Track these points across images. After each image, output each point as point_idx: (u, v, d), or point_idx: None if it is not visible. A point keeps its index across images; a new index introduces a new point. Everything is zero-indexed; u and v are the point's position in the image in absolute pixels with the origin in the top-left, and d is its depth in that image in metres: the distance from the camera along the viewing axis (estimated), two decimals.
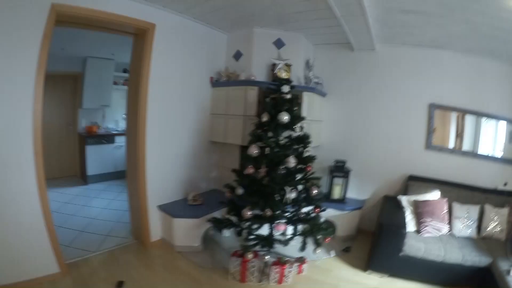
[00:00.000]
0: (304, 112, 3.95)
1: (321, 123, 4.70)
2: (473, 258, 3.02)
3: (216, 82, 4.35)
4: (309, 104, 4.07)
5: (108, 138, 6.42)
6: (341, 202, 4.25)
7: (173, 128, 4.00)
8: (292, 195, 3.05)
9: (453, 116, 3.99)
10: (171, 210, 3.85)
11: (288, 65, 4.03)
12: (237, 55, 4.37)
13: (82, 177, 6.41)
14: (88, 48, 5.64)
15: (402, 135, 4.23)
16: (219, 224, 3.38)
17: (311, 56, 4.37)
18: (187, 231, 3.76)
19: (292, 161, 3.07)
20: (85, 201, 5.34)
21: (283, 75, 3.94)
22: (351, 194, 4.51)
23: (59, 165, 6.45)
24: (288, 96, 3.21)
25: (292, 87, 3.27)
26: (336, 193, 4.26)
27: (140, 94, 3.50)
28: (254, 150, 3.15)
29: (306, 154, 3.25)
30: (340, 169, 4.25)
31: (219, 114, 4.33)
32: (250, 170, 3.18)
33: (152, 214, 3.87)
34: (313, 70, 4.25)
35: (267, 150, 3.10)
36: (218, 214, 3.81)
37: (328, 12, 3.11)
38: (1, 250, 2.67)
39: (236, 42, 4.40)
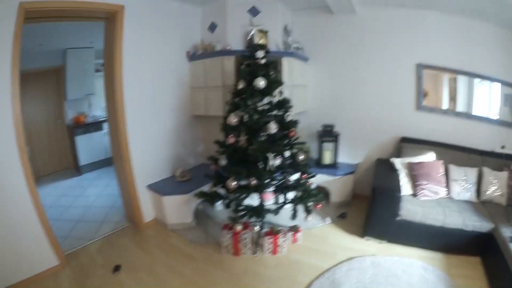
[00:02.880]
0: (285, 78, 3.81)
1: (306, 88, 4.55)
2: (474, 223, 2.85)
3: (192, 56, 4.21)
4: (290, 69, 3.91)
5: (96, 125, 6.34)
6: (333, 167, 4.14)
7: (153, 107, 3.89)
8: (276, 162, 2.94)
9: (445, 79, 3.80)
10: (159, 188, 3.80)
11: (264, 32, 3.85)
12: (212, 27, 4.20)
13: (76, 168, 6.36)
14: (66, 40, 5.50)
15: (392, 96, 4.07)
16: (206, 198, 3.29)
17: (289, 21, 4.16)
18: (177, 208, 3.72)
19: (272, 127, 2.94)
20: (80, 191, 5.31)
21: (260, 41, 3.77)
22: (343, 158, 4.42)
23: (52, 160, 6.40)
24: (263, 62, 3.05)
25: (267, 52, 3.10)
26: (327, 158, 4.15)
27: (115, 77, 3.39)
28: (233, 119, 3.03)
29: (288, 119, 3.12)
30: (328, 134, 4.12)
31: (199, 88, 4.21)
32: (231, 139, 3.07)
33: (142, 195, 3.83)
34: (292, 35, 4.07)
35: (245, 117, 2.98)
36: (207, 188, 3.73)
37: None
38: (0, 252, 2.68)
39: (210, 15, 4.22)
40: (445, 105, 3.85)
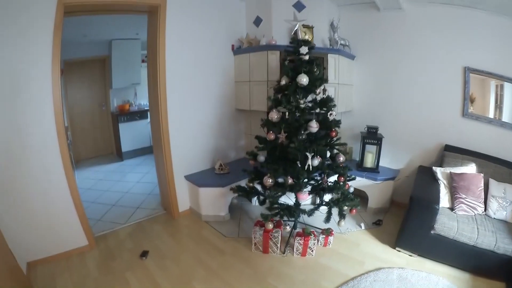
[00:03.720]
0: (331, 75, 3.70)
1: (351, 87, 4.37)
2: (506, 246, 2.56)
3: (237, 50, 4.17)
4: (336, 67, 3.77)
5: (141, 114, 6.54)
6: (374, 171, 3.94)
7: (196, 98, 3.90)
8: (314, 162, 2.82)
9: (492, 85, 3.44)
10: (197, 179, 3.81)
11: (309, 27, 3.73)
12: (257, 21, 4.13)
13: (118, 154, 6.60)
14: (111, 31, 5.66)
15: (437, 100, 3.77)
16: (242, 193, 3.24)
17: (335, 17, 4.00)
18: (213, 200, 3.71)
19: (313, 126, 2.82)
20: (120, 176, 5.48)
21: (305, 37, 3.65)
22: (384, 163, 4.19)
23: (96, 144, 6.70)
24: (307, 58, 2.93)
25: (311, 48, 2.98)
26: (369, 161, 3.96)
27: (157, 69, 3.44)
28: (274, 115, 2.95)
29: (330, 119, 2.98)
30: (372, 136, 3.92)
31: (243, 82, 4.15)
32: (271, 136, 3.00)
33: (179, 184, 3.87)
34: (338, 32, 3.90)
35: (287, 114, 2.89)
36: (244, 182, 3.67)
37: None
38: (33, 227, 2.84)
39: (254, 8, 4.16)
40: (491, 113, 3.50)
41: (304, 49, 2.92)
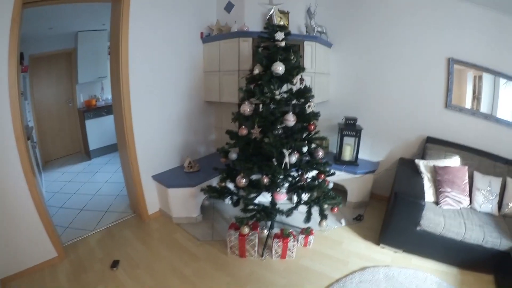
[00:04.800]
0: (307, 64, 3.40)
1: (328, 76, 4.06)
2: (493, 239, 2.46)
3: (207, 37, 3.76)
4: (312, 55, 3.46)
5: (107, 109, 6.00)
6: (353, 164, 3.67)
7: (162, 91, 3.50)
8: (292, 159, 2.51)
9: (470, 76, 3.27)
10: (165, 179, 3.43)
11: (284, 13, 3.39)
12: (229, 7, 3.74)
13: (86, 153, 6.09)
14: (77, 23, 5.16)
15: (420, 91, 3.54)
16: (213, 194, 2.90)
17: (312, 3, 3.66)
18: (183, 202, 3.36)
19: (290, 119, 2.50)
20: (88, 177, 5.02)
21: (280, 23, 3.31)
22: (364, 155, 3.94)
23: (63, 143, 6.15)
24: (283, 45, 2.59)
25: (287, 34, 2.64)
26: (347, 154, 3.68)
27: (120, 59, 3.03)
28: (246, 108, 2.60)
29: (308, 111, 2.67)
30: (350, 127, 3.64)
31: (213, 71, 3.76)
32: (243, 131, 2.65)
33: (147, 185, 3.49)
34: (315, 18, 3.57)
35: (261, 107, 2.54)
36: (216, 181, 3.35)
37: None
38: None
39: None
40: (467, 104, 3.33)
41: (280, 35, 2.58)
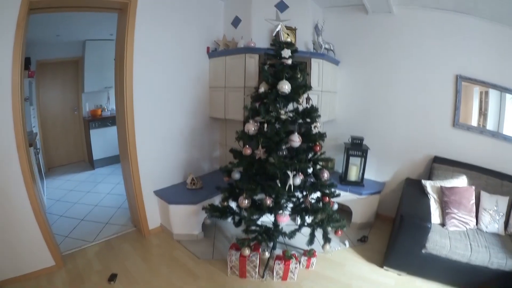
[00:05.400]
0: (314, 82, 3.30)
1: (335, 95, 3.96)
2: (499, 260, 2.36)
3: (212, 52, 3.69)
4: (319, 72, 3.38)
5: (112, 120, 5.92)
6: (358, 185, 3.55)
7: (167, 104, 3.43)
8: (296, 180, 2.41)
9: (476, 91, 3.18)
10: (167, 195, 3.34)
11: (292, 29, 3.33)
12: (236, 22, 3.68)
13: (90, 162, 6.03)
14: (85, 32, 5.15)
15: (427, 109, 3.44)
16: (215, 213, 2.80)
17: (320, 20, 3.60)
18: (185, 218, 3.25)
19: (296, 140, 2.41)
20: (90, 186, 4.95)
21: (288, 39, 3.25)
22: (369, 175, 3.81)
23: (67, 151, 6.12)
24: (289, 62, 2.52)
25: (294, 51, 2.58)
26: (353, 174, 3.57)
27: (124, 71, 2.98)
28: (251, 127, 2.52)
29: (314, 131, 2.57)
30: (357, 147, 3.53)
31: (218, 87, 3.68)
32: (247, 150, 2.56)
33: (149, 200, 3.39)
34: (322, 35, 3.51)
35: (265, 126, 2.46)
36: (218, 199, 3.26)
37: None
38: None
39: (234, 8, 3.70)
40: (474, 120, 3.24)
41: (286, 52, 2.52)
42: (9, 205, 2.46)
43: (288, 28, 3.31)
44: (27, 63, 4.73)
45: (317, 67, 3.35)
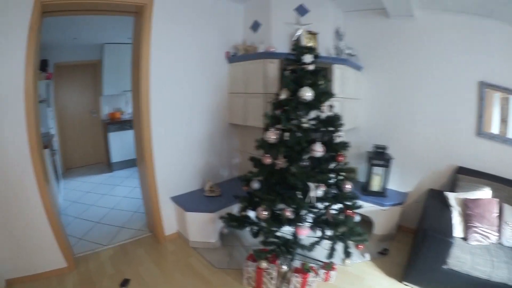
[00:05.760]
0: (336, 89, 3.16)
1: (358, 102, 3.81)
2: None
3: (232, 57, 3.61)
4: (342, 79, 3.24)
5: (131, 123, 5.92)
6: (381, 195, 3.39)
7: (184, 110, 3.37)
8: (318, 192, 2.29)
9: (497, 97, 3.01)
10: (184, 202, 3.28)
11: (313, 34, 3.22)
12: (255, 26, 3.59)
13: (108, 164, 6.06)
14: (103, 35, 5.17)
15: (450, 117, 3.27)
16: (233, 223, 2.71)
17: (341, 24, 3.49)
18: (201, 226, 3.18)
19: (318, 149, 2.30)
20: (107, 189, 4.96)
21: (309, 44, 3.15)
22: (392, 185, 3.64)
23: (85, 153, 6.19)
24: (311, 68, 2.41)
25: (316, 57, 2.47)
26: (375, 184, 3.41)
27: (141, 75, 2.96)
28: (271, 135, 2.42)
29: (337, 140, 2.45)
30: (380, 156, 3.37)
31: (238, 93, 3.58)
32: (267, 160, 2.46)
33: (165, 206, 3.34)
34: (344, 40, 3.39)
35: (286, 135, 2.35)
36: (237, 208, 3.15)
37: None
38: (8, 244, 2.54)
39: (253, 12, 3.61)
40: (494, 127, 3.07)
41: (308, 58, 2.41)
42: (22, 205, 2.49)
43: (309, 32, 3.21)
44: (44, 65, 4.78)
45: (339, 73, 3.21)
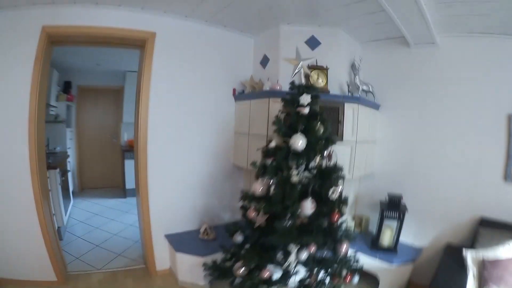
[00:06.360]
0: (347, 130, 2.85)
1: (374, 145, 3.42)
2: None
3: (239, 95, 3.42)
4: (354, 119, 2.90)
5: None
6: (391, 251, 2.96)
7: (185, 147, 3.26)
8: (301, 255, 1.98)
9: None
10: (176, 241, 3.13)
11: (322, 69, 2.95)
12: (264, 61, 3.38)
13: (123, 190, 6.07)
14: (125, 63, 5.26)
15: (474, 159, 2.81)
16: (215, 272, 2.46)
17: (357, 57, 3.17)
18: (191, 268, 2.95)
19: (307, 207, 2.01)
20: (116, 215, 4.93)
21: (318, 81, 2.89)
22: (406, 237, 3.14)
23: (102, 176, 6.26)
24: (306, 111, 2.14)
25: (316, 97, 2.21)
26: (386, 238, 2.98)
27: (140, 109, 2.96)
28: (258, 187, 2.17)
29: (333, 196, 2.13)
30: (393, 208, 2.95)
31: (243, 133, 3.35)
32: (251, 213, 2.20)
33: (159, 241, 3.21)
34: (359, 75, 3.07)
35: (272, 189, 2.08)
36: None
37: None
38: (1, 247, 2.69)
39: (262, 46, 3.42)
40: None
41: (305, 99, 2.15)
42: (19, 219, 2.64)
43: (317, 68, 2.95)
44: (67, 87, 4.94)
45: (351, 113, 2.88)
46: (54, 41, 2.76)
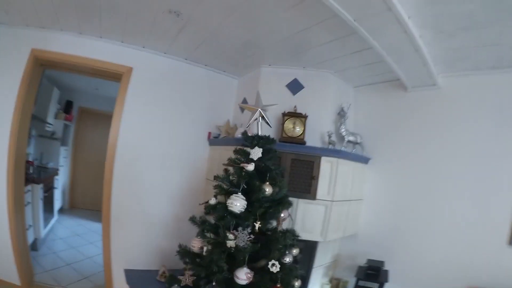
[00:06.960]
0: (322, 188, 2.54)
1: (360, 203, 3.03)
2: None
3: (211, 140, 3.29)
4: (332, 176, 2.57)
5: None
6: None
7: (151, 187, 3.19)
8: None
9: None
10: (132, 278, 2.95)
11: (300, 116, 2.70)
12: (244, 104, 3.19)
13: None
14: None
15: (473, 219, 2.34)
16: None
17: (345, 103, 2.83)
18: None
19: (241, 277, 1.73)
20: (96, 238, 4.81)
21: (296, 129, 2.65)
22: None
23: (93, 198, 6.11)
24: (251, 168, 1.90)
25: (268, 151, 1.98)
26: None
27: (108, 142, 3.05)
28: (196, 245, 1.96)
29: (273, 268, 1.79)
30: (372, 276, 2.57)
31: (211, 181, 3.12)
32: (185, 271, 1.97)
33: (118, 274, 3.08)
34: (345, 124, 2.78)
35: (204, 250, 1.84)
36: None
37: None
38: None
39: (244, 88, 3.28)
40: None
41: (256, 153, 1.93)
42: None
43: (295, 115, 2.71)
44: (69, 106, 5.04)
45: (329, 168, 2.56)
46: (43, 64, 2.86)
